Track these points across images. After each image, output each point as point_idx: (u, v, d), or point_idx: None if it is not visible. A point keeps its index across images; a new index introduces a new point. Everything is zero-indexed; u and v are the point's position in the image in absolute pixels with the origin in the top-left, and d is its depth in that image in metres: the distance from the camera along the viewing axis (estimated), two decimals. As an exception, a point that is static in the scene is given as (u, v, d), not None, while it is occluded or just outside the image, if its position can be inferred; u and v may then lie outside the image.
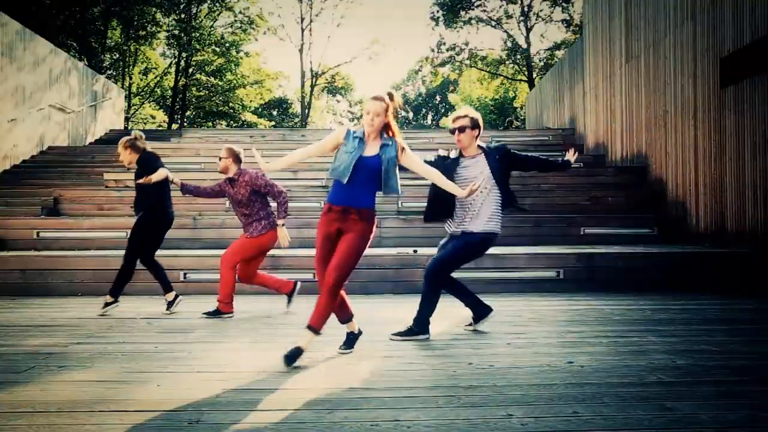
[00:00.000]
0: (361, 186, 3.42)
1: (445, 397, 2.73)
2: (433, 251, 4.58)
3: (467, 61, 34.53)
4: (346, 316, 3.71)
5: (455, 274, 4.26)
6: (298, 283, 5.27)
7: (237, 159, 5.00)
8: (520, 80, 34.12)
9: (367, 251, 5.48)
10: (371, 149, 3.46)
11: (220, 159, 5.00)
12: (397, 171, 3.53)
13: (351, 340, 3.73)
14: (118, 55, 28.48)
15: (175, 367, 3.29)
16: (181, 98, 30.69)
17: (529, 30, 31.71)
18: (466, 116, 4.00)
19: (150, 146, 5.15)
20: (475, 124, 4.00)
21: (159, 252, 5.22)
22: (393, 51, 76.16)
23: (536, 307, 5.28)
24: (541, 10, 34.57)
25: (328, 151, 3.60)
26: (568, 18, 30.66)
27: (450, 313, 4.94)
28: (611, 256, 6.30)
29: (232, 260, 4.96)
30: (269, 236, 5.00)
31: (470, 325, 4.30)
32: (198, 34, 28.23)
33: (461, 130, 3.98)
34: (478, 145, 4.07)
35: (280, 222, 5.01)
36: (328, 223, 3.45)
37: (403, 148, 3.53)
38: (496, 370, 3.17)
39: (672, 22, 8.61)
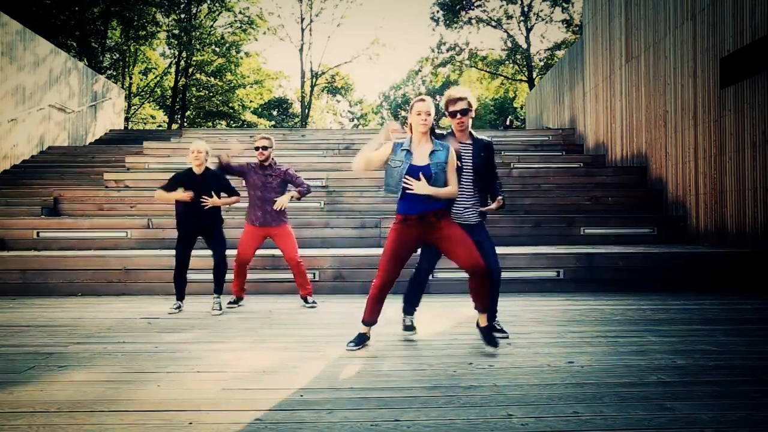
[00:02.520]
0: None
1: (445, 397, 2.73)
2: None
3: (467, 61, 34.56)
4: (371, 319, 3.76)
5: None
6: (243, 302, 5.55)
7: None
8: (520, 80, 34.15)
9: (368, 251, 5.48)
10: (420, 157, 3.50)
11: (265, 148, 5.27)
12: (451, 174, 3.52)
13: (361, 339, 3.78)
14: (118, 55, 28.52)
15: (175, 367, 3.29)
16: (181, 98, 30.71)
17: (529, 30, 31.74)
18: (466, 98, 3.74)
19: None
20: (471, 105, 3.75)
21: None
22: (393, 51, 76.19)
23: (536, 306, 5.28)
24: (541, 11, 34.69)
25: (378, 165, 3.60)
26: (568, 18, 30.69)
27: (450, 312, 4.95)
28: (611, 256, 6.30)
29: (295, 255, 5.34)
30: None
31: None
32: (198, 34, 28.25)
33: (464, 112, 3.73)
34: (470, 132, 3.86)
35: (295, 194, 5.31)
36: (407, 231, 3.52)
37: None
38: (496, 370, 3.17)
39: (672, 22, 8.61)
